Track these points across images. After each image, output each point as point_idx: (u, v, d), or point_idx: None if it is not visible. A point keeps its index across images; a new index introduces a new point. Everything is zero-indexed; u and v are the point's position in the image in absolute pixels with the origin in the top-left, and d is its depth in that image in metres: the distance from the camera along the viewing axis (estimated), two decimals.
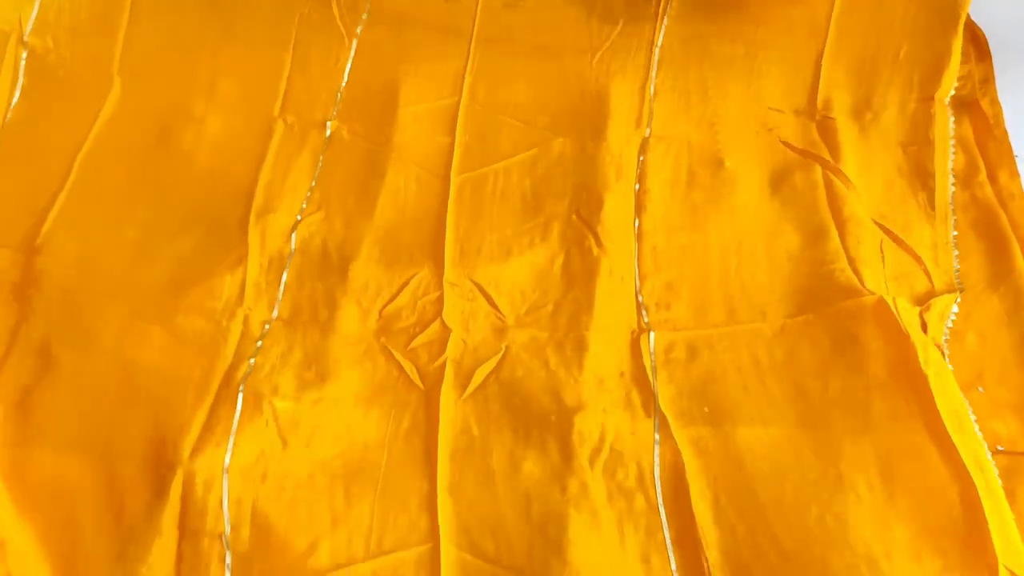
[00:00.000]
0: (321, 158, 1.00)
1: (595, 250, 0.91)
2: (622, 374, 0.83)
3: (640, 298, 0.88)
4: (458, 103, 1.04)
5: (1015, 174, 0.96)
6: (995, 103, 1.02)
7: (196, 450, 0.76)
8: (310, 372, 0.83)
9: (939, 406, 0.73)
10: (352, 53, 1.08)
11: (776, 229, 0.91)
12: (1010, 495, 0.73)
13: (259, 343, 0.85)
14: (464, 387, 0.82)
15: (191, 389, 0.80)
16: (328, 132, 1.02)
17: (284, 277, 0.90)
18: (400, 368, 0.84)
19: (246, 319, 0.86)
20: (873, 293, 0.82)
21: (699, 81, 1.05)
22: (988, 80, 1.04)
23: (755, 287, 0.87)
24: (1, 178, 0.97)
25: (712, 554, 0.71)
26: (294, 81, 1.06)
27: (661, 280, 0.90)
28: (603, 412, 0.80)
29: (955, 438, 0.72)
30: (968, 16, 1.10)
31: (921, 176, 0.95)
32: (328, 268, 0.91)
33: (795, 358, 0.81)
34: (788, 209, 0.93)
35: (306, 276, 0.90)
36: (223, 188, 0.97)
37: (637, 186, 0.96)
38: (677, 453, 0.76)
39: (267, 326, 0.86)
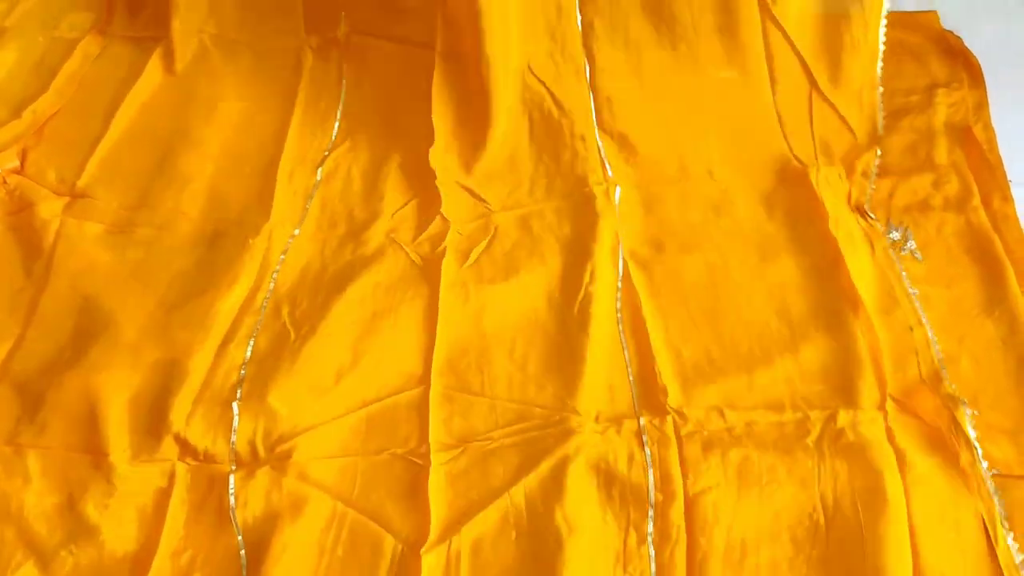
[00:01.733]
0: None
1: (555, 112, 1.03)
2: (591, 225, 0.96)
3: (603, 154, 1.02)
4: None
5: (1009, 198, 0.97)
6: (988, 128, 1.03)
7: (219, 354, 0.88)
8: (326, 275, 0.95)
9: (849, 265, 0.88)
10: None
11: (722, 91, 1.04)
12: (1009, 518, 0.74)
13: (282, 257, 0.97)
14: (462, 263, 0.95)
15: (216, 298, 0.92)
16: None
17: (309, 204, 1.03)
18: (408, 258, 0.96)
19: (271, 236, 0.98)
20: (800, 162, 0.99)
21: None
22: (982, 106, 1.05)
23: (705, 146, 1.02)
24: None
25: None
26: None
27: (618, 133, 1.03)
28: (582, 265, 0.92)
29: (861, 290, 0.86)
30: (960, 41, 1.12)
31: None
32: (349, 194, 1.04)
33: (733, 210, 0.97)
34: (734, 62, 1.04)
35: (328, 200, 1.03)
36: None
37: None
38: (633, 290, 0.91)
39: (291, 240, 0.99)
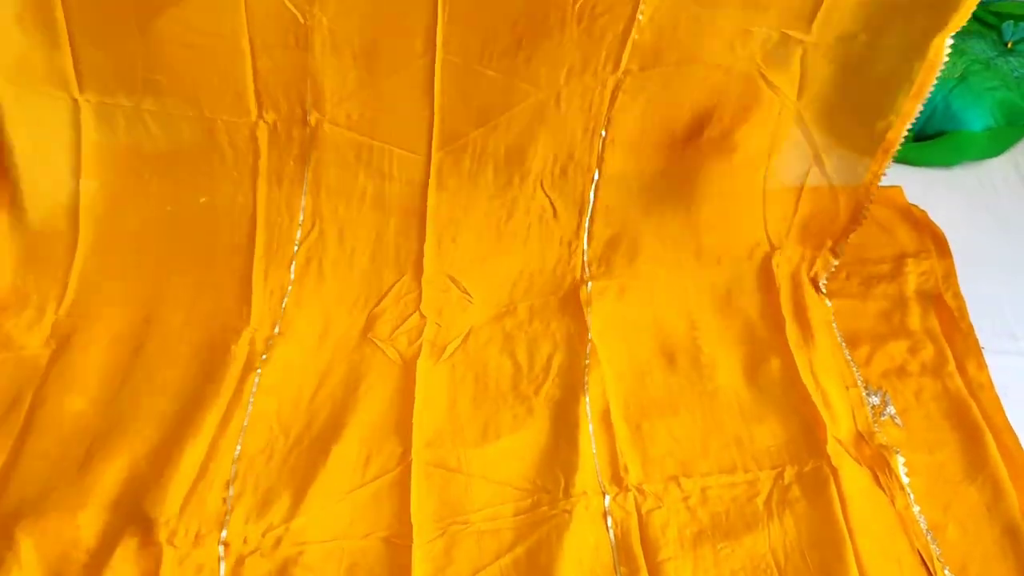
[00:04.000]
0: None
1: (551, 222, 1.07)
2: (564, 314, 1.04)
3: (585, 260, 1.08)
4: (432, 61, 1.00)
5: (983, 365, 1.00)
6: (958, 296, 1.08)
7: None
8: (308, 375, 0.98)
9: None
10: None
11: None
12: None
13: (264, 356, 0.99)
14: (439, 357, 1.00)
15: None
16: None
17: (284, 302, 1.04)
18: (384, 354, 1.00)
19: (252, 338, 1.00)
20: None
21: None
22: (950, 275, 1.10)
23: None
24: None
25: None
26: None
27: (603, 240, 1.08)
28: (549, 353, 1.00)
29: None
30: (926, 215, 1.18)
31: None
32: (323, 289, 1.05)
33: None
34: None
35: (304, 298, 1.04)
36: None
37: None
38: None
39: (271, 339, 1.00)
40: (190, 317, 1.02)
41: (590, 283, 1.06)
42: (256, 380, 0.96)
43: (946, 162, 1.31)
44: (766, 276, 1.06)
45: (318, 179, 1.03)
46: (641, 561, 0.82)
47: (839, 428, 0.90)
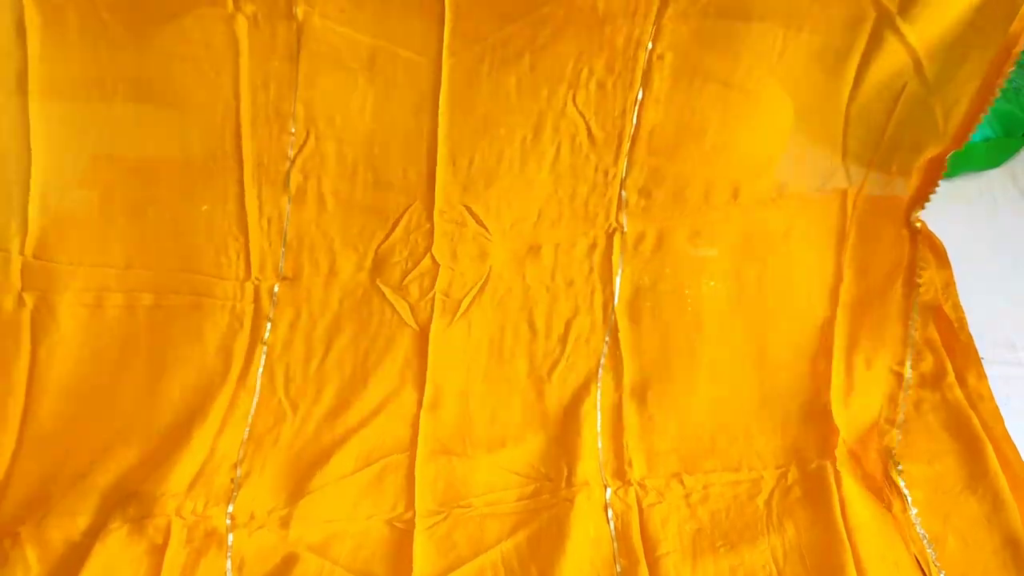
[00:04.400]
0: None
1: (585, 144, 0.93)
2: (591, 270, 0.95)
3: (623, 193, 0.94)
4: None
5: (982, 375, 1.00)
6: (958, 307, 1.07)
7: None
8: (315, 333, 0.94)
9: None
10: None
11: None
12: None
13: (268, 324, 0.94)
14: (453, 315, 0.94)
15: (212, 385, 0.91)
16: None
17: (285, 235, 0.94)
18: (394, 311, 0.94)
19: (256, 291, 0.94)
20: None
21: None
22: (949, 285, 1.10)
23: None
24: None
25: None
26: None
27: (648, 168, 0.94)
28: (566, 331, 0.95)
29: None
30: (925, 226, 1.18)
31: None
32: (325, 217, 0.94)
33: None
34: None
35: (304, 230, 0.94)
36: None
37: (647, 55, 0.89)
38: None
39: (276, 291, 0.94)
40: (183, 263, 0.93)
41: (625, 223, 0.96)
42: (263, 355, 0.93)
43: (945, 173, 1.31)
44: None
45: (311, 83, 0.89)
46: (640, 555, 0.83)
47: (852, 420, 0.90)
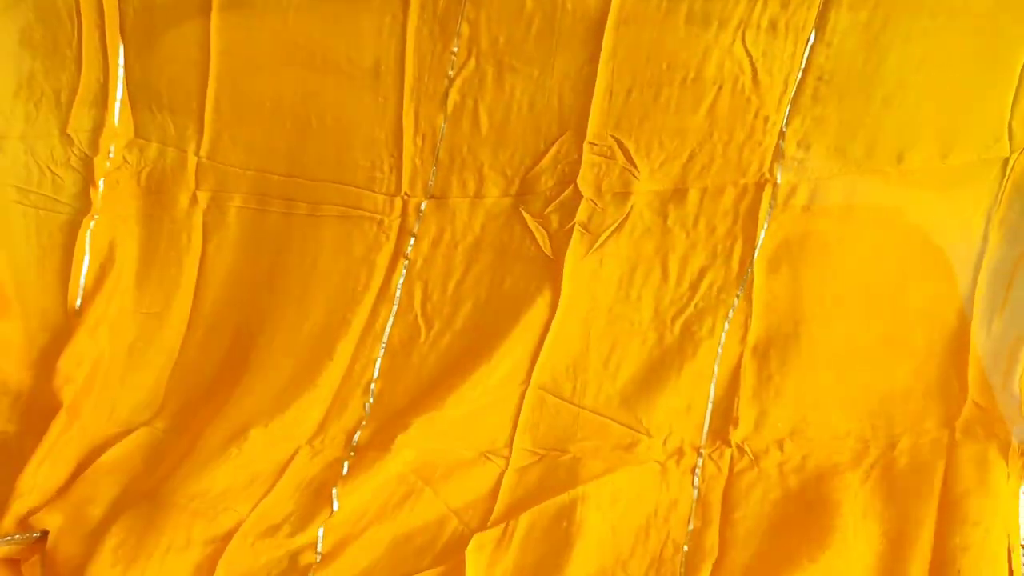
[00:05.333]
0: None
1: (748, 87, 0.88)
2: (735, 220, 0.92)
3: (781, 143, 0.89)
4: None
5: None
6: None
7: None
8: (456, 253, 0.96)
9: None
10: None
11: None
12: None
13: (412, 239, 0.96)
14: (589, 247, 0.93)
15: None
16: None
17: (437, 154, 0.96)
18: (532, 236, 0.94)
19: (404, 207, 0.97)
20: None
21: None
22: None
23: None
24: None
25: None
26: None
27: (810, 117, 0.88)
28: (698, 280, 0.93)
29: None
30: None
31: None
32: (477, 140, 0.95)
33: None
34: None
35: (456, 151, 0.96)
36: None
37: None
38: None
39: (423, 208, 0.96)
40: (339, 175, 0.98)
41: (779, 175, 0.90)
42: (404, 268, 0.96)
43: None
44: None
45: (478, 3, 0.91)
46: (715, 516, 0.85)
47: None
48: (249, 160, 1.00)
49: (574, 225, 0.94)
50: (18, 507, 0.86)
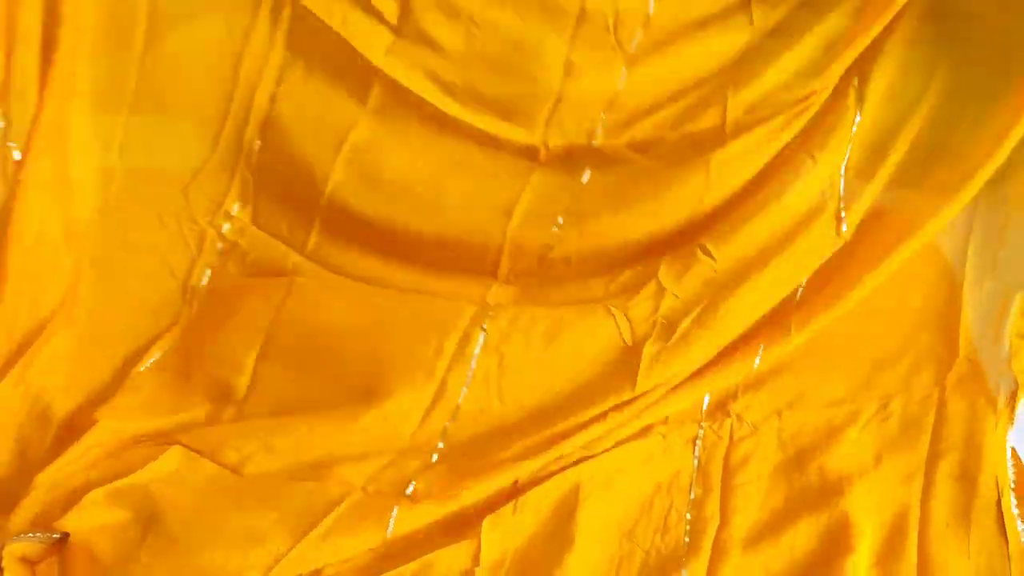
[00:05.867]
0: None
1: (808, 162, 0.90)
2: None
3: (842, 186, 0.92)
4: None
5: None
6: None
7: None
8: (536, 331, 0.92)
9: None
10: None
11: None
12: None
13: (490, 313, 0.93)
14: (667, 338, 0.91)
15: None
16: None
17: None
18: (616, 326, 0.92)
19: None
20: None
21: None
22: None
23: None
24: None
25: None
26: None
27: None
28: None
29: None
30: None
31: None
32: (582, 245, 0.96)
33: None
34: None
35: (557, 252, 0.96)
36: None
37: None
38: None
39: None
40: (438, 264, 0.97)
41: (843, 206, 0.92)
42: (480, 340, 0.92)
43: None
44: None
45: None
46: (716, 483, 0.88)
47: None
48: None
49: (656, 320, 0.92)
50: (31, 503, 0.83)
